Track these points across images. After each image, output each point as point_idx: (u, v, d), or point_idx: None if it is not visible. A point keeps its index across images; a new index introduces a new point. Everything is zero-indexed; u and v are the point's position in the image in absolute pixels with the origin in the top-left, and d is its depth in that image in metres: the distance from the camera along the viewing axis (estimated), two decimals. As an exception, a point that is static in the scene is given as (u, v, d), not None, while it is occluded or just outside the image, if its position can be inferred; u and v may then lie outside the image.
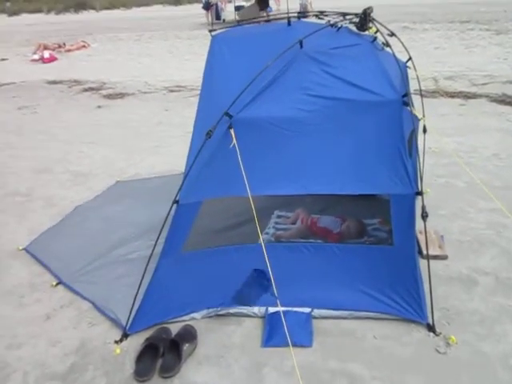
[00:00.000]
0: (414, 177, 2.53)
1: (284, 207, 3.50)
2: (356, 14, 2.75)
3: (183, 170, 2.53)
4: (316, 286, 2.58)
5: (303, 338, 2.38)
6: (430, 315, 2.41)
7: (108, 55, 13.50)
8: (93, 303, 2.74)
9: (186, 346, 2.32)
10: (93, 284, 2.89)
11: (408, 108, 2.45)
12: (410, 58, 3.04)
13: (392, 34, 2.89)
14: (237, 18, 16.27)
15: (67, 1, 30.18)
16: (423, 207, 2.41)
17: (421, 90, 3.13)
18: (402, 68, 2.75)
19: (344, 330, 2.45)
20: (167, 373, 2.23)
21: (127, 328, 2.46)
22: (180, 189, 2.45)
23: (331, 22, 2.75)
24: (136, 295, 2.46)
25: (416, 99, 2.98)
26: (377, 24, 2.76)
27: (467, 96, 6.84)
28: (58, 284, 2.97)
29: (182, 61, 11.70)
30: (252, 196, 2.34)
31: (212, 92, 2.63)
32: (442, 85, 7.53)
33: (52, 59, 13.08)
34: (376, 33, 2.73)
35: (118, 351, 2.38)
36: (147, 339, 2.37)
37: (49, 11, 29.67)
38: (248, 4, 18.80)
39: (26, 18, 27.96)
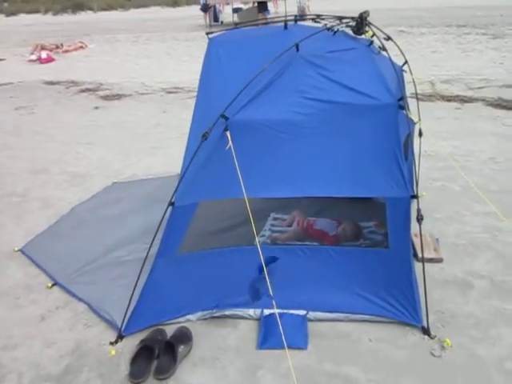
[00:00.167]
0: (410, 180, 2.55)
1: (280, 209, 3.50)
2: (352, 18, 2.77)
3: (180, 172, 2.54)
4: (312, 288, 2.59)
5: (299, 340, 2.39)
6: (425, 318, 2.42)
7: (105, 56, 13.49)
8: (88, 304, 2.74)
9: (181, 348, 2.32)
10: (88, 285, 2.89)
11: (404, 112, 2.46)
12: (406, 62, 3.07)
13: (388, 38, 2.90)
14: (236, 19, 16.35)
15: (65, 1, 30.18)
16: (418, 210, 2.42)
17: (417, 94, 3.15)
18: (398, 72, 2.77)
19: (339, 332, 2.45)
20: (162, 374, 2.23)
21: (122, 329, 2.46)
22: (176, 190, 2.45)
23: (328, 26, 2.76)
24: (131, 297, 2.46)
25: (412, 103, 3.00)
26: (373, 28, 2.77)
27: (463, 100, 6.87)
28: (53, 285, 2.96)
29: (179, 62, 11.71)
30: (248, 198, 2.35)
31: (208, 94, 2.64)
32: (439, 88, 7.57)
33: (49, 60, 13.07)
34: (372, 37, 2.75)
35: (113, 353, 2.37)
36: (142, 341, 2.37)
37: (46, 12, 29.65)
38: (246, 6, 18.85)
39: (23, 18, 27.93)
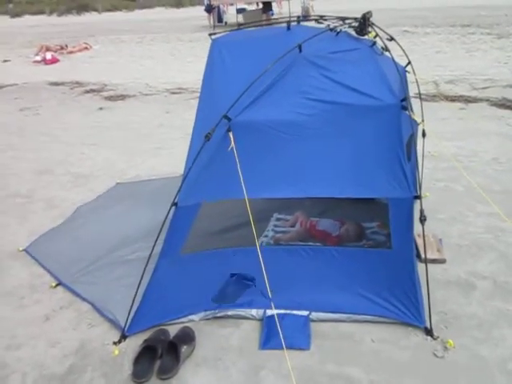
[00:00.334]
0: (413, 181, 2.55)
1: (283, 210, 3.51)
2: (355, 19, 2.77)
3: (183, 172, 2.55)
4: (314, 288, 2.59)
5: (301, 340, 2.39)
6: (427, 319, 2.41)
7: (110, 57, 13.55)
8: (92, 304, 2.75)
9: (184, 348, 2.33)
10: (92, 285, 2.90)
11: (407, 112, 2.46)
12: (409, 62, 3.06)
13: (391, 39, 2.90)
14: (240, 20, 16.38)
15: (69, 2, 30.30)
16: (421, 211, 2.42)
17: (420, 94, 3.14)
18: (401, 72, 2.76)
19: (342, 333, 2.45)
20: (165, 374, 2.24)
21: (126, 329, 2.47)
22: (179, 191, 2.46)
23: (330, 27, 2.77)
24: (134, 297, 2.47)
25: (415, 103, 2.99)
26: (376, 28, 2.77)
27: (468, 100, 6.85)
28: (57, 285, 2.98)
29: (183, 63, 11.74)
30: (251, 199, 2.35)
31: (211, 95, 2.64)
32: (443, 89, 7.55)
33: (54, 61, 13.13)
34: (375, 37, 2.75)
35: (116, 352, 2.39)
36: (145, 341, 2.38)
37: (51, 13, 29.78)
38: (250, 7, 18.87)
39: (28, 19, 28.07)
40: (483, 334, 2.40)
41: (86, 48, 14.93)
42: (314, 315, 2.51)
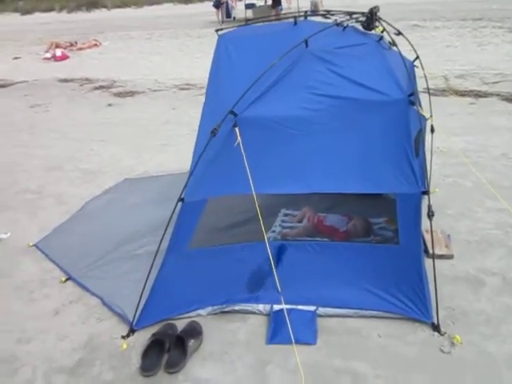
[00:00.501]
0: (421, 176, 2.53)
1: (291, 205, 3.50)
2: (362, 13, 2.75)
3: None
4: (321, 284, 2.59)
5: (308, 335, 2.40)
6: (435, 315, 2.41)
7: (119, 53, 13.58)
8: (101, 299, 2.79)
9: (191, 342, 2.35)
10: (101, 279, 2.93)
11: (414, 107, 2.44)
12: (417, 57, 3.03)
13: (399, 33, 2.88)
14: (249, 15, 16.34)
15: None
16: (429, 206, 2.41)
17: (428, 89, 3.12)
18: (409, 67, 2.74)
19: (349, 328, 2.46)
20: (172, 368, 2.26)
21: (134, 324, 2.50)
22: (185, 186, 2.47)
23: (337, 22, 2.75)
24: (142, 291, 2.50)
25: (424, 98, 2.97)
26: (383, 23, 2.75)
27: (478, 95, 6.77)
28: (67, 280, 3.02)
29: (192, 59, 11.73)
30: (258, 194, 2.36)
31: (218, 91, 2.65)
32: (453, 83, 7.47)
33: (64, 57, 13.19)
34: (382, 32, 2.73)
35: (124, 346, 2.41)
36: (153, 335, 2.41)
37: (61, 10, 29.89)
38: (259, 1, 18.80)
39: (38, 16, 28.21)
40: (491, 330, 2.39)
41: (96, 45, 14.97)
42: (321, 310, 2.52)
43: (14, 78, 10.71)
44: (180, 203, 2.50)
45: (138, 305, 2.50)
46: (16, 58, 13.93)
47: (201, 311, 2.57)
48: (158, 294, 2.52)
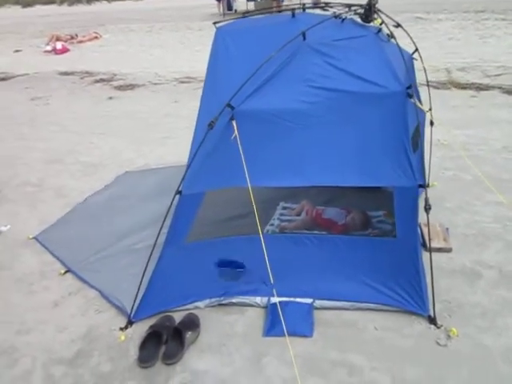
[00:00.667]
0: (419, 169, 2.53)
1: (289, 199, 3.51)
2: (361, 6, 2.74)
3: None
4: (319, 277, 2.60)
5: (304, 328, 2.41)
6: (431, 307, 2.42)
7: (119, 46, 13.53)
8: (99, 291, 2.81)
9: (188, 334, 2.37)
10: (100, 273, 2.95)
11: (412, 100, 2.44)
12: (416, 49, 3.02)
13: (398, 26, 2.86)
14: (251, 8, 16.25)
15: (80, -8, 30.19)
16: (426, 199, 2.40)
17: (428, 82, 3.11)
18: (407, 59, 2.73)
19: (345, 321, 2.47)
20: (170, 360, 2.28)
21: (132, 316, 2.52)
22: (183, 179, 2.48)
23: (336, 14, 2.74)
24: (140, 284, 2.51)
25: (424, 91, 2.96)
26: (382, 15, 2.74)
27: (479, 87, 6.74)
28: (66, 272, 3.04)
29: (192, 52, 11.69)
30: (256, 187, 2.36)
31: (215, 84, 2.64)
32: (455, 76, 7.43)
33: (64, 50, 13.16)
34: (381, 24, 2.72)
35: (122, 338, 2.44)
36: (151, 327, 2.42)
37: (62, 2, 29.76)
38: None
39: (39, 9, 28.11)
40: (487, 323, 2.40)
41: (96, 37, 14.92)
42: (318, 303, 2.53)
43: (15, 70, 10.69)
44: (178, 196, 2.51)
45: (136, 297, 2.52)
46: (17, 50, 13.91)
47: (199, 303, 2.59)
48: (155, 286, 2.54)
